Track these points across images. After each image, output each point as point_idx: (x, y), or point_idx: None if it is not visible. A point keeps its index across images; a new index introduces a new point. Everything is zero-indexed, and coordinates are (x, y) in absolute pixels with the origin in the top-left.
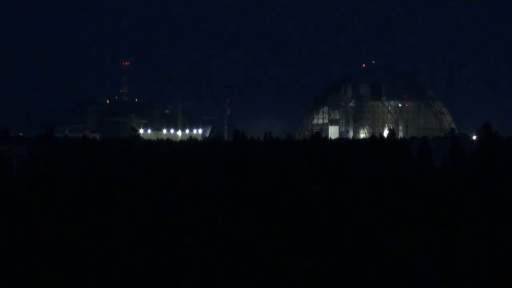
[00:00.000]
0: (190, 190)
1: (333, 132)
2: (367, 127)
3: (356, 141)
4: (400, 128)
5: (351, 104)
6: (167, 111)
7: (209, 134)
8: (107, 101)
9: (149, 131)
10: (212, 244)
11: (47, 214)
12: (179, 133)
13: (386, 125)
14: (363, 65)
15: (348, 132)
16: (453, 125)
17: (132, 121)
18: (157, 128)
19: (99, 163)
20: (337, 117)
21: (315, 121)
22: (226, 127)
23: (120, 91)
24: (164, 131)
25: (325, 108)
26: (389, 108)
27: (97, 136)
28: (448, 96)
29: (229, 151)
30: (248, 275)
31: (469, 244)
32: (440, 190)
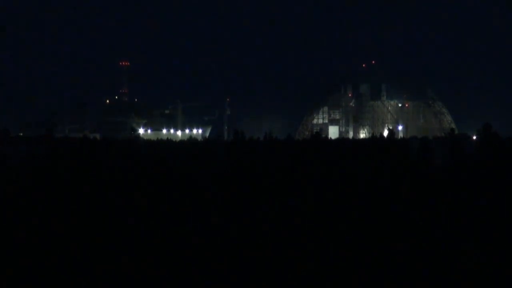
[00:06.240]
0: (189, 190)
1: (333, 132)
2: (367, 127)
3: (356, 141)
4: (400, 128)
5: (351, 104)
6: (167, 111)
7: (209, 134)
8: (107, 101)
9: (149, 131)
10: (211, 244)
11: (47, 214)
12: (179, 133)
13: (386, 125)
14: (363, 65)
15: (348, 132)
16: (453, 125)
17: (132, 121)
18: (157, 128)
19: (99, 162)
20: (337, 117)
21: (315, 121)
22: (226, 127)
23: (120, 91)
24: (164, 131)
25: (325, 108)
26: (389, 108)
27: (97, 136)
28: (448, 96)
29: (228, 151)
30: (248, 275)
31: (469, 244)
32: (440, 190)
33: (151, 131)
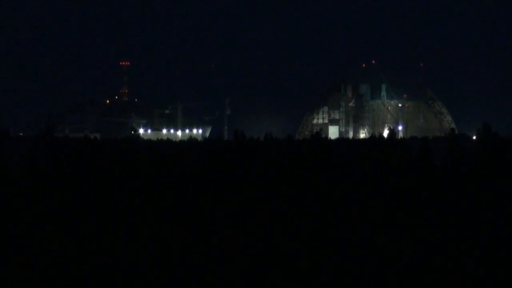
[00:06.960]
0: (188, 189)
1: (333, 132)
2: (367, 127)
3: (356, 141)
4: (400, 128)
5: (351, 104)
6: (167, 111)
7: (209, 134)
8: (107, 101)
9: (149, 131)
10: (210, 244)
11: (47, 214)
12: (179, 133)
13: (386, 125)
14: (363, 65)
15: (348, 132)
16: (453, 125)
17: (132, 121)
18: (157, 128)
19: (99, 162)
20: (337, 117)
21: (315, 121)
22: (226, 127)
23: (120, 91)
24: (164, 131)
25: (325, 108)
26: (389, 108)
27: (97, 136)
28: (448, 96)
29: (228, 151)
30: (247, 276)
31: (469, 244)
32: (440, 190)
33: (151, 131)
